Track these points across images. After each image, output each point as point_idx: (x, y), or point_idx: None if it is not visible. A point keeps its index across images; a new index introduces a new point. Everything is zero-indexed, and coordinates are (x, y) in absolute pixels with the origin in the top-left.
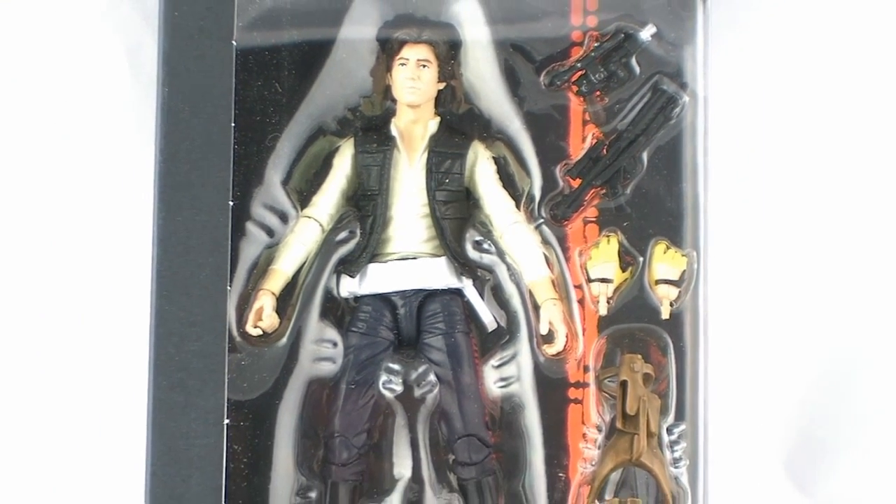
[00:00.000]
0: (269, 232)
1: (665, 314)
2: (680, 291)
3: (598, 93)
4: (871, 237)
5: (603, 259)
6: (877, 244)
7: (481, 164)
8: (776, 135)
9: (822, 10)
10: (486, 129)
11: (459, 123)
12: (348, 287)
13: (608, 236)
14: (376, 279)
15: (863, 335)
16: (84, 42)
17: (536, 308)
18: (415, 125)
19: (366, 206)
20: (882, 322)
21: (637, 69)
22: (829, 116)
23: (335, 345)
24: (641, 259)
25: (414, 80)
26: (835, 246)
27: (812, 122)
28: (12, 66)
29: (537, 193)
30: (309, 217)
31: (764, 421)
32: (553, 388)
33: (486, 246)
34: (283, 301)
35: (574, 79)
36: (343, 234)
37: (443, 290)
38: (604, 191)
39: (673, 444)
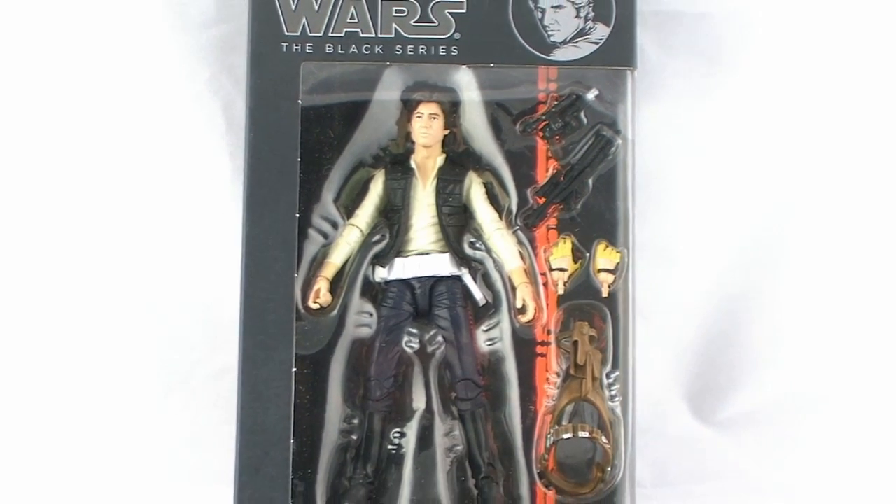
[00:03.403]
0: (324, 235)
1: (605, 293)
2: (615, 277)
3: (557, 137)
4: (750, 230)
5: (561, 254)
6: (752, 230)
7: (475, 188)
8: (683, 167)
9: (716, 81)
10: (478, 163)
11: (459, 159)
12: (380, 274)
13: (564, 238)
14: (400, 269)
15: (743, 300)
16: (193, 101)
17: (514, 289)
18: (427, 160)
19: (392, 217)
20: (758, 279)
21: (585, 120)
22: (722, 153)
23: (371, 315)
24: (588, 254)
25: (427, 128)
26: (723, 239)
27: (710, 158)
28: (142, 120)
29: (514, 208)
30: (353, 225)
31: (673, 368)
32: (525, 346)
33: (478, 245)
34: (335, 284)
35: (540, 127)
36: (377, 237)
37: (447, 276)
38: (561, 206)
39: (610, 385)
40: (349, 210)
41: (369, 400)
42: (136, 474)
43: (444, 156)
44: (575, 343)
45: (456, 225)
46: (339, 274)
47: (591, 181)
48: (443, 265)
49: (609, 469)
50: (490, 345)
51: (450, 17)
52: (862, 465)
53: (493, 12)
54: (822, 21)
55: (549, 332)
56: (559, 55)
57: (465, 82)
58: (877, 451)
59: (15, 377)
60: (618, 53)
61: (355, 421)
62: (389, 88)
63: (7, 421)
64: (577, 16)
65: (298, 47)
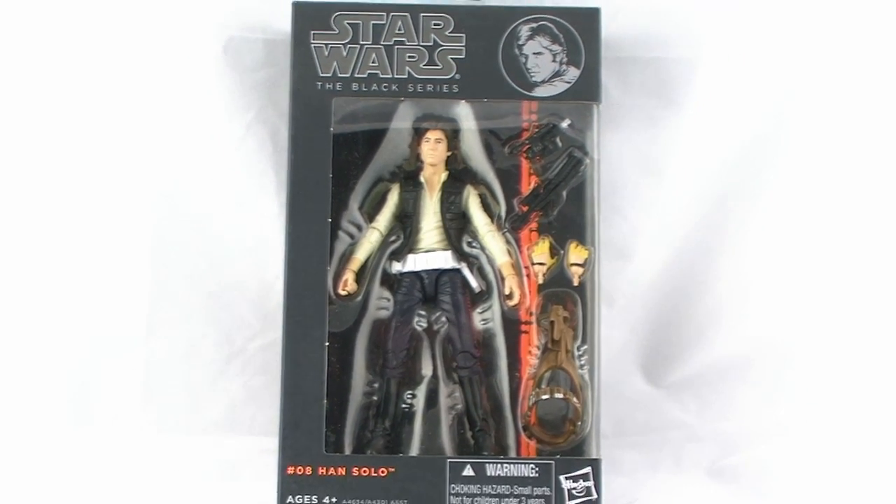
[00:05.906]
0: (351, 236)
1: (576, 283)
2: (584, 270)
3: (537, 157)
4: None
5: (540, 251)
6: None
7: (471, 198)
8: (638, 182)
9: (666, 113)
10: (474, 178)
11: (459, 175)
12: (396, 267)
13: (543, 238)
14: (412, 263)
15: (685, 289)
16: (246, 130)
17: (503, 279)
18: (434, 176)
19: (406, 222)
20: (698, 273)
21: (560, 144)
22: (670, 171)
23: (389, 300)
24: (562, 251)
25: (433, 150)
26: (669, 240)
27: (660, 175)
28: (205, 145)
29: (503, 214)
30: (374, 228)
31: (629, 343)
32: (512, 324)
33: (474, 244)
34: (359, 275)
35: (524, 149)
36: (393, 238)
37: (449, 269)
38: (541, 213)
39: (580, 356)
40: (371, 216)
41: (387, 368)
42: (201, 426)
43: (447, 172)
44: (552, 322)
45: (456, 228)
46: (363, 267)
47: (565, 193)
48: (446, 260)
49: (579, 423)
50: (484, 324)
51: (452, 61)
52: (775, 412)
53: (486, 58)
54: (752, 64)
55: (531, 314)
56: (539, 92)
57: (464, 114)
58: (788, 402)
59: (108, 347)
60: (586, 91)
61: (375, 385)
62: (403, 119)
63: (91, 381)
64: (554, 61)
65: (330, 86)
